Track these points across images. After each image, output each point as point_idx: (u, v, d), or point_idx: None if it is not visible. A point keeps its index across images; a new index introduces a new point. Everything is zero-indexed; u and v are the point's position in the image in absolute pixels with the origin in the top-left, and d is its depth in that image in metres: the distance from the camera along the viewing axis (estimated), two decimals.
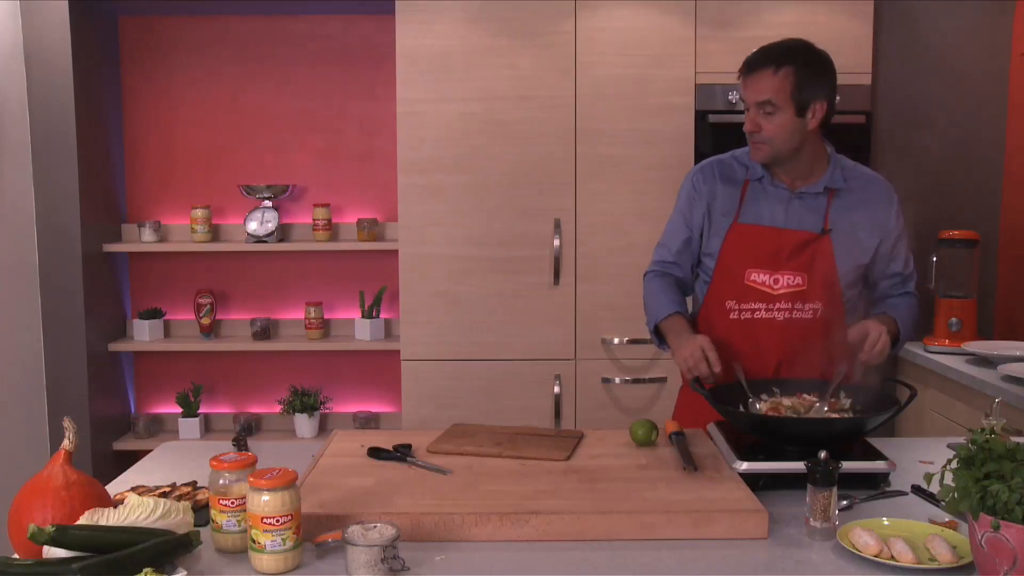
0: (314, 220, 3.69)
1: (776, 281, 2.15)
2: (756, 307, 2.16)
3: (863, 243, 2.19)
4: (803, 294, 2.14)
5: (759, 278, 2.16)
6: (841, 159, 2.24)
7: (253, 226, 3.66)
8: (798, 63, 2.09)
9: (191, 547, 1.44)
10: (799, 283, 2.14)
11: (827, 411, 1.98)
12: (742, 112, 3.32)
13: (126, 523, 1.41)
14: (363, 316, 3.72)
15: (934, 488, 1.60)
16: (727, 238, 2.19)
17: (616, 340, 3.39)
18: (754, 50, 2.16)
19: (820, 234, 2.15)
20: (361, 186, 3.83)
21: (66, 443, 1.50)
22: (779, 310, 2.15)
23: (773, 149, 2.12)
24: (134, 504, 1.45)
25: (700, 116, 3.36)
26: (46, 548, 1.36)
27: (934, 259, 3.40)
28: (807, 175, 2.19)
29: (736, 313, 2.17)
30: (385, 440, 1.98)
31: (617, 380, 3.40)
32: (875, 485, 1.81)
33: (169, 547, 1.40)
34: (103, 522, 1.40)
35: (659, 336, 2.24)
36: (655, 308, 2.24)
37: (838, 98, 3.34)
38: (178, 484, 1.81)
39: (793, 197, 2.18)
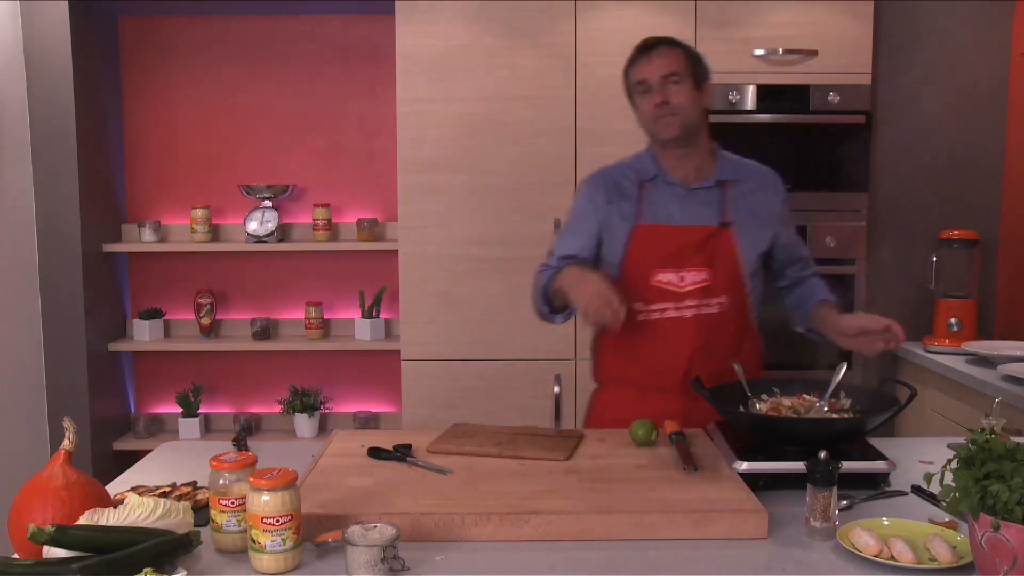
0: (314, 220, 3.69)
1: (682, 279, 2.16)
2: (665, 307, 2.17)
3: (762, 232, 2.23)
4: (708, 289, 2.16)
5: (665, 277, 2.16)
6: (727, 153, 2.28)
7: (253, 226, 3.66)
8: (685, 46, 2.19)
9: (191, 547, 1.44)
10: (704, 279, 2.16)
11: (827, 411, 1.98)
12: (742, 112, 3.37)
13: (126, 523, 1.41)
14: (363, 316, 3.72)
15: (934, 488, 1.60)
16: (631, 241, 2.18)
17: None
18: (643, 39, 2.20)
19: (720, 227, 2.18)
20: (361, 186, 3.83)
21: (66, 443, 1.50)
22: (687, 307, 2.16)
23: (683, 119, 2.14)
24: (134, 504, 1.45)
25: None
26: (46, 548, 1.36)
27: (934, 259, 3.41)
28: (700, 169, 2.22)
29: (645, 315, 2.17)
30: (385, 440, 1.98)
31: None
32: (875, 485, 1.81)
33: (169, 547, 1.39)
34: (103, 522, 1.40)
35: (549, 303, 2.19)
36: (545, 275, 2.19)
37: (834, 97, 3.37)
38: (178, 484, 1.81)
39: (688, 193, 2.20)
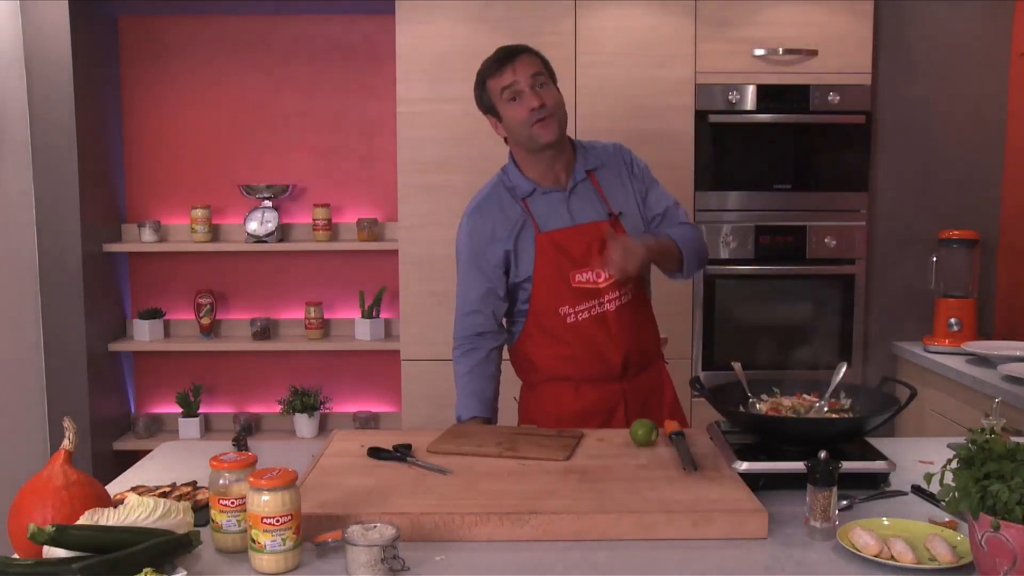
0: (314, 220, 3.69)
1: (599, 276, 2.19)
2: (589, 304, 2.20)
3: (637, 207, 2.27)
4: (617, 282, 2.20)
5: (584, 277, 2.20)
6: (580, 142, 2.31)
7: (253, 226, 3.66)
8: (537, 51, 2.22)
9: (191, 547, 1.44)
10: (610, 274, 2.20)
11: (827, 411, 1.98)
12: (743, 112, 3.37)
13: (126, 523, 1.41)
14: (363, 316, 3.72)
15: (934, 488, 1.59)
16: (538, 252, 2.19)
17: None
18: (495, 51, 2.21)
19: (611, 218, 2.23)
20: (361, 186, 3.83)
21: (66, 443, 1.50)
22: (609, 301, 2.21)
23: (559, 119, 2.16)
24: (134, 504, 1.45)
25: (700, 116, 3.36)
26: (46, 548, 1.36)
27: (934, 259, 3.41)
28: (567, 167, 2.24)
29: (573, 316, 2.20)
30: (385, 440, 1.98)
31: None
32: (875, 485, 1.81)
33: (169, 547, 1.39)
34: (103, 522, 1.40)
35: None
36: (460, 401, 2.28)
37: (834, 97, 3.37)
38: (178, 484, 1.81)
39: (567, 195, 2.23)
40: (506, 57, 2.17)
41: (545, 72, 2.18)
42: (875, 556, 1.45)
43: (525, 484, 1.72)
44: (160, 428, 3.85)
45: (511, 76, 2.14)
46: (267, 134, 3.82)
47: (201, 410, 3.79)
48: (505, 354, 2.37)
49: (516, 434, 2.03)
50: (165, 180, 3.83)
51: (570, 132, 3.31)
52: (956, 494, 1.35)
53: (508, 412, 3.32)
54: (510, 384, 2.47)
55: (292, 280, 3.87)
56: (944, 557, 1.43)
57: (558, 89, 2.22)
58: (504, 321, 2.32)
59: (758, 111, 3.40)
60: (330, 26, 3.77)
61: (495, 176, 2.31)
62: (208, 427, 3.84)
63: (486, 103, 2.22)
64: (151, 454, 2.13)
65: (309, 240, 3.75)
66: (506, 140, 2.28)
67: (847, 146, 3.45)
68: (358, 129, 3.82)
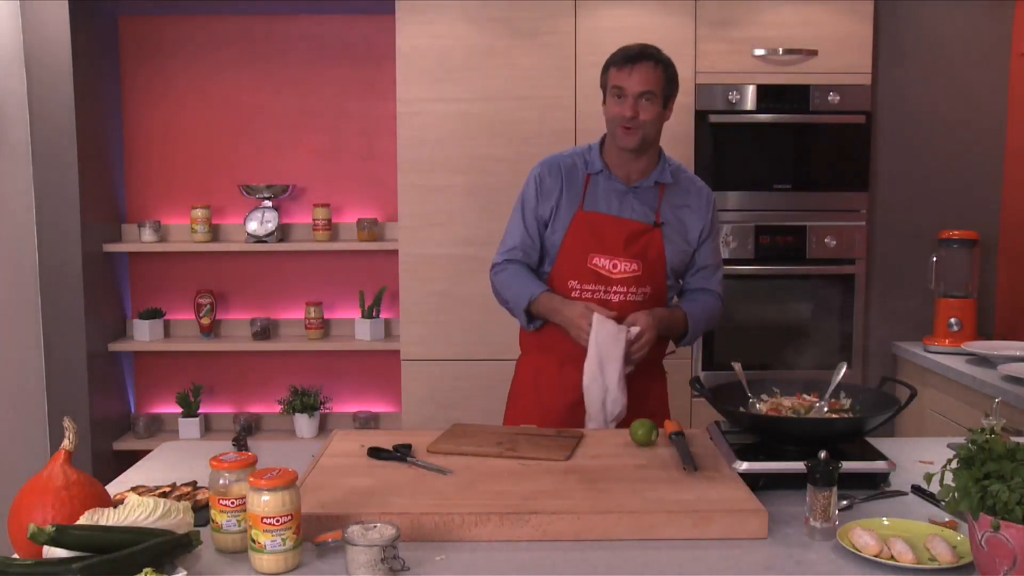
0: (314, 220, 3.69)
1: (615, 266, 2.31)
2: (596, 288, 2.32)
3: (688, 236, 2.39)
4: (638, 279, 2.32)
5: (600, 262, 2.32)
6: (669, 159, 2.41)
7: (253, 226, 3.66)
8: (666, 63, 2.30)
9: (191, 547, 1.44)
10: (635, 269, 2.32)
11: (827, 411, 1.98)
12: (742, 112, 3.37)
13: (126, 523, 1.41)
14: (363, 316, 3.72)
15: (934, 488, 1.60)
16: (572, 225, 2.34)
17: None
18: (634, 45, 2.30)
19: (653, 226, 2.34)
20: (361, 186, 3.83)
21: (66, 443, 1.50)
22: (615, 292, 2.32)
23: (645, 134, 2.28)
24: (134, 504, 1.45)
25: (700, 116, 3.37)
26: (46, 548, 1.36)
27: (934, 259, 3.41)
28: (643, 170, 2.36)
29: (578, 292, 2.32)
30: (385, 440, 1.98)
31: None
32: (875, 485, 1.81)
33: (169, 547, 1.39)
34: (103, 522, 1.40)
35: (529, 315, 2.36)
36: (523, 288, 2.35)
37: (834, 97, 3.38)
38: (178, 484, 1.81)
39: (628, 191, 2.36)
40: (633, 58, 2.26)
41: (657, 91, 2.26)
42: (875, 556, 1.45)
43: (525, 484, 1.72)
44: (160, 428, 3.85)
45: (625, 80, 2.26)
46: (267, 134, 3.82)
47: (201, 410, 3.79)
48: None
49: (516, 434, 2.03)
50: (165, 180, 3.83)
51: (569, 132, 3.34)
52: (956, 494, 1.35)
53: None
54: (505, 385, 2.49)
55: (292, 280, 3.87)
56: (944, 557, 1.44)
57: (666, 106, 2.31)
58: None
59: (758, 111, 3.40)
60: (330, 26, 3.77)
61: (580, 146, 2.46)
62: (208, 427, 3.84)
63: (603, 83, 2.35)
64: (151, 454, 2.13)
65: (309, 240, 3.75)
66: (606, 123, 2.38)
67: (847, 146, 3.45)
68: (358, 129, 3.82)
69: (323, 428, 3.80)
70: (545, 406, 2.36)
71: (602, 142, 2.41)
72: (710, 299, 2.44)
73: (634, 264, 2.31)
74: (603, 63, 2.24)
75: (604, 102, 2.35)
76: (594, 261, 2.32)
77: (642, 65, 2.25)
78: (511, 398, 2.51)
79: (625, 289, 2.31)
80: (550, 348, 2.38)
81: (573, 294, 2.32)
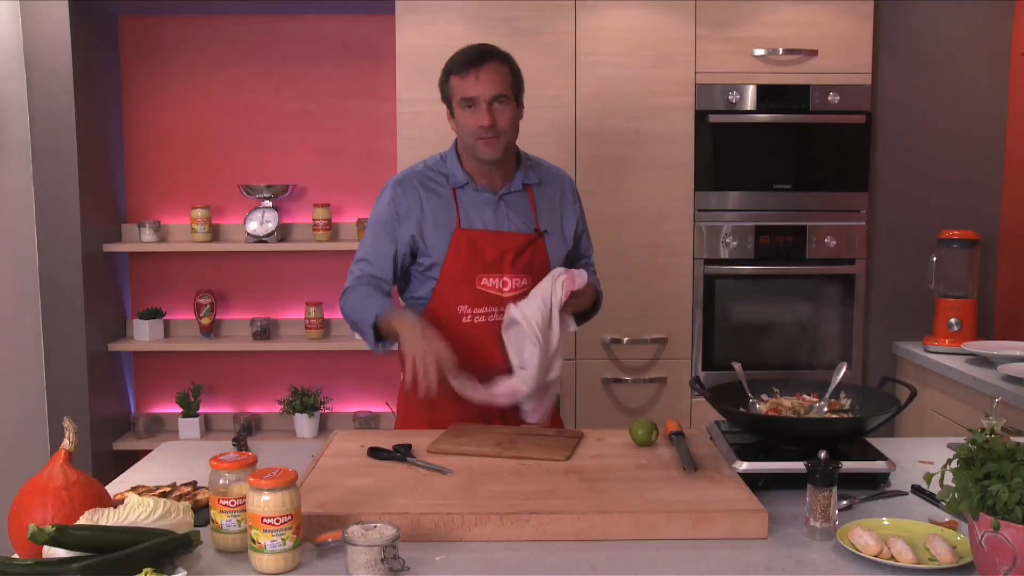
0: (314, 220, 3.69)
1: (504, 284, 2.19)
2: (489, 311, 2.18)
3: (566, 234, 2.30)
4: (523, 295, 2.17)
5: (489, 283, 2.18)
6: (527, 155, 2.30)
7: (253, 226, 3.66)
8: (509, 58, 2.18)
9: (191, 547, 1.44)
10: (525, 284, 2.19)
11: (827, 411, 1.98)
12: (742, 112, 3.37)
13: (126, 523, 1.41)
14: None
15: (934, 488, 1.60)
16: (452, 246, 2.18)
17: (616, 340, 3.39)
18: (470, 48, 2.18)
19: (534, 235, 2.23)
20: (361, 186, 3.83)
21: (66, 443, 1.50)
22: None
23: (506, 141, 2.16)
24: (134, 504, 1.45)
25: (700, 116, 3.36)
26: (46, 548, 1.36)
27: (934, 259, 3.41)
28: (506, 176, 2.24)
29: (469, 317, 2.18)
30: (385, 440, 1.98)
31: (617, 380, 3.40)
32: (875, 485, 1.81)
33: (169, 547, 1.40)
34: (103, 522, 1.40)
35: (378, 334, 2.13)
36: (370, 305, 2.13)
37: (834, 97, 3.38)
38: (178, 484, 1.81)
39: (498, 199, 2.23)
40: (475, 60, 2.13)
41: (509, 89, 2.14)
42: (875, 556, 1.45)
43: (525, 484, 1.72)
44: (160, 428, 3.85)
45: (472, 88, 2.12)
46: (267, 134, 3.82)
47: (201, 410, 3.79)
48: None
49: (516, 434, 2.03)
50: (165, 180, 3.83)
51: (569, 132, 3.34)
52: (956, 494, 1.35)
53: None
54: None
55: (292, 280, 3.87)
56: (944, 557, 1.44)
57: (519, 103, 2.20)
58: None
59: (758, 111, 3.40)
60: (330, 26, 3.77)
61: (431, 157, 2.29)
62: (208, 427, 3.84)
63: (445, 95, 2.21)
64: (151, 454, 2.13)
65: (309, 240, 3.75)
66: (457, 137, 2.26)
67: (847, 146, 3.44)
68: (358, 129, 3.82)
69: (323, 428, 3.80)
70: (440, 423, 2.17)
71: (455, 151, 2.25)
72: (594, 280, 2.34)
73: (523, 279, 2.19)
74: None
75: (451, 116, 2.21)
76: (482, 282, 2.17)
77: (488, 67, 2.12)
78: (400, 419, 2.36)
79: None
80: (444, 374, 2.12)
81: (464, 319, 2.17)
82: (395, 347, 2.16)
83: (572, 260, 2.37)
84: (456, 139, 2.26)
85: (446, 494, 1.67)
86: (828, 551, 1.52)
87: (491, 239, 2.19)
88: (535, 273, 2.20)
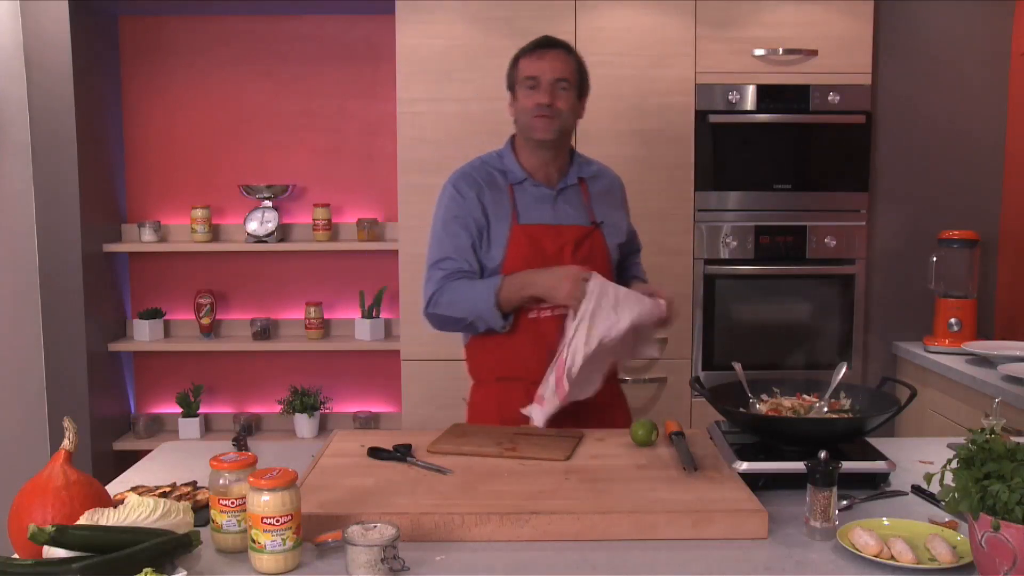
0: (314, 220, 3.69)
1: None
2: (551, 305, 2.15)
3: (619, 226, 2.33)
4: None
5: None
6: (578, 153, 2.36)
7: (253, 226, 3.66)
8: (578, 56, 2.26)
9: (191, 547, 1.44)
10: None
11: (827, 411, 1.98)
12: (742, 112, 3.37)
13: (126, 523, 1.41)
14: (363, 316, 3.72)
15: (934, 488, 1.60)
16: (511, 242, 2.19)
17: None
18: (537, 38, 2.25)
19: (591, 227, 2.25)
20: (361, 186, 3.83)
21: (66, 443, 1.50)
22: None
23: (561, 123, 2.20)
24: (134, 504, 1.45)
25: (700, 116, 3.36)
26: (46, 548, 1.36)
27: (934, 259, 3.41)
28: (560, 169, 2.28)
29: (535, 313, 2.18)
30: (385, 440, 1.98)
31: (618, 380, 3.39)
32: (875, 485, 1.81)
33: (169, 547, 1.39)
34: (103, 522, 1.40)
35: (502, 312, 2.14)
36: (479, 289, 2.14)
37: (834, 97, 3.38)
38: (178, 484, 1.81)
39: (555, 194, 2.26)
40: (544, 44, 2.21)
41: (571, 80, 2.20)
42: (875, 556, 1.45)
43: (525, 484, 1.72)
44: (160, 428, 3.85)
45: (537, 68, 2.18)
46: (267, 134, 3.82)
47: (201, 410, 3.79)
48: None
49: (516, 434, 2.03)
50: (165, 180, 3.83)
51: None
52: (956, 494, 1.35)
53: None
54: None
55: (292, 280, 3.87)
56: (944, 557, 1.44)
57: (580, 102, 2.25)
58: None
59: (758, 111, 3.40)
60: (330, 26, 3.77)
61: (487, 153, 2.32)
62: (208, 427, 3.84)
63: (511, 79, 2.26)
64: (151, 454, 2.13)
65: (309, 240, 3.75)
66: (515, 123, 2.29)
67: (847, 146, 3.44)
68: (358, 129, 3.82)
69: (323, 428, 3.80)
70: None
71: (511, 147, 2.29)
72: (638, 263, 2.44)
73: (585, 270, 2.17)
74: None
75: (514, 99, 2.24)
76: None
77: (555, 52, 2.19)
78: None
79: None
80: (501, 374, 2.23)
81: (530, 314, 2.17)
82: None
83: (626, 254, 2.41)
84: (511, 137, 2.31)
85: (446, 494, 1.67)
86: (828, 551, 1.52)
87: (551, 233, 2.21)
88: (595, 264, 2.16)
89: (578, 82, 2.22)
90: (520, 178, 2.24)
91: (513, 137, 2.31)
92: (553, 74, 2.17)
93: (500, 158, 2.29)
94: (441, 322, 2.24)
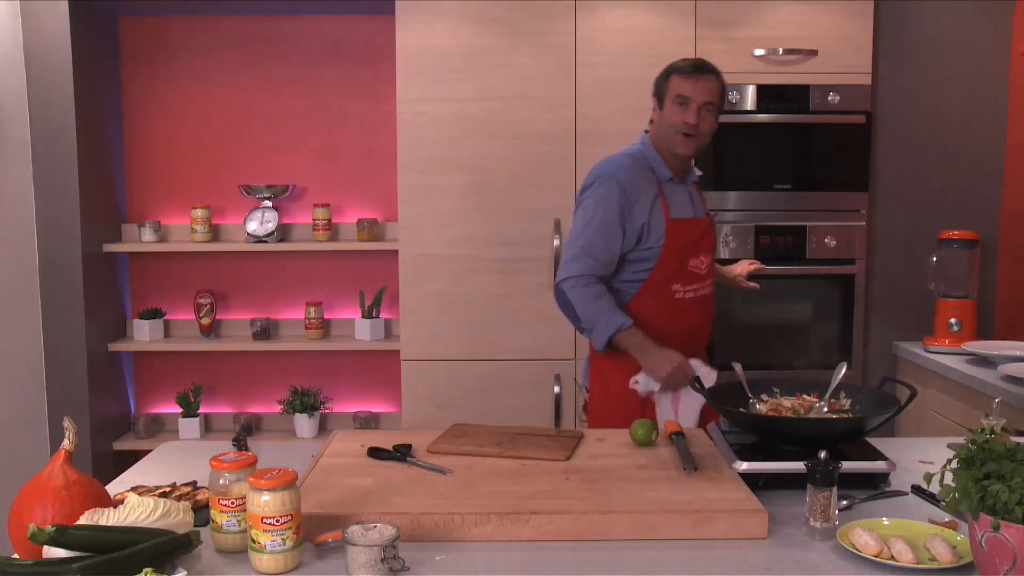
0: (314, 220, 3.69)
1: (702, 263, 2.48)
2: (696, 287, 2.47)
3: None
4: (711, 269, 2.53)
5: (695, 263, 2.46)
6: None
7: (253, 226, 3.66)
8: (723, 80, 2.44)
9: (191, 547, 1.44)
10: (709, 262, 2.51)
11: (827, 411, 1.98)
12: (742, 112, 3.37)
13: (126, 523, 1.41)
14: (363, 316, 3.72)
15: (934, 488, 1.60)
16: (668, 233, 2.41)
17: None
18: (689, 58, 2.46)
19: (709, 218, 2.56)
20: (361, 186, 3.83)
21: (66, 443, 1.50)
22: (706, 287, 2.50)
23: (701, 143, 2.43)
24: (134, 504, 1.45)
25: None
26: (46, 548, 1.36)
27: (934, 259, 3.41)
28: (687, 171, 2.54)
29: (681, 293, 2.45)
30: (385, 440, 1.98)
31: None
32: (875, 485, 1.81)
33: (169, 547, 1.40)
34: (103, 522, 1.40)
35: (608, 342, 2.38)
36: (610, 315, 2.36)
37: (834, 97, 3.38)
38: (178, 484, 1.81)
39: (686, 189, 2.52)
40: (699, 68, 2.39)
41: (717, 103, 2.40)
42: (875, 556, 1.45)
43: (525, 484, 1.72)
44: (160, 428, 3.85)
45: (691, 89, 2.37)
46: (267, 134, 3.82)
47: (201, 410, 3.79)
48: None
49: (516, 434, 2.03)
50: (165, 180, 3.83)
51: (569, 132, 3.34)
52: (956, 494, 1.35)
53: (509, 412, 3.34)
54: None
55: (292, 280, 3.87)
56: (944, 557, 1.44)
57: (717, 120, 2.44)
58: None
59: (758, 111, 3.40)
60: (330, 26, 3.77)
61: (632, 149, 2.49)
62: (208, 427, 3.84)
63: (660, 90, 2.45)
64: (151, 454, 2.13)
65: (309, 240, 3.75)
66: (651, 123, 2.50)
67: (847, 146, 3.44)
68: (358, 129, 3.82)
69: (323, 428, 3.80)
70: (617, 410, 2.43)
71: (653, 147, 2.47)
72: None
73: (709, 257, 2.50)
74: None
75: (659, 108, 2.44)
76: (691, 263, 2.44)
77: (707, 76, 2.38)
78: (590, 413, 2.56)
79: (708, 281, 2.49)
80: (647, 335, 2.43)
81: (677, 295, 2.43)
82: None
83: None
84: (645, 135, 2.50)
85: (446, 494, 1.67)
86: (828, 551, 1.52)
87: (692, 225, 2.46)
88: (712, 251, 2.51)
89: (720, 103, 2.42)
90: (668, 176, 2.46)
91: (646, 134, 2.51)
92: (703, 97, 2.36)
93: (645, 155, 2.47)
94: (564, 304, 2.43)
